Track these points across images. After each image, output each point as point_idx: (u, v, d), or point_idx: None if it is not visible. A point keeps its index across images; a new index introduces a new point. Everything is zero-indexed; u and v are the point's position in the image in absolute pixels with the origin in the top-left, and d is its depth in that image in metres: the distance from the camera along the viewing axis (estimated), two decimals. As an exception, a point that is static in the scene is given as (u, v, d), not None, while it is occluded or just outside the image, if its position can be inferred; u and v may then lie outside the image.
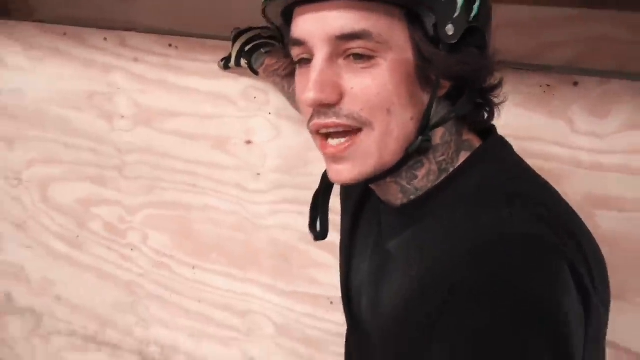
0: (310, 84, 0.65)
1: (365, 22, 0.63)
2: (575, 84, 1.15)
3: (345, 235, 0.93)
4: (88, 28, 1.67)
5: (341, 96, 0.65)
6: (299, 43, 0.67)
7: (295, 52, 0.70)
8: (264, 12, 0.72)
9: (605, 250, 1.07)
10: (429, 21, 0.64)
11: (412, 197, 0.74)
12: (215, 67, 1.48)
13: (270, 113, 1.49)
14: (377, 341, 0.81)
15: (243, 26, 1.35)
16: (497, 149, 0.76)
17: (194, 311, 1.78)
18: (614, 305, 1.23)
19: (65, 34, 1.69)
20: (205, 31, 1.54)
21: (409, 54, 0.65)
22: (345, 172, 0.69)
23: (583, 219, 0.93)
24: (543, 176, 1.01)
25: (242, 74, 1.46)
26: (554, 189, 0.73)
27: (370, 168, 0.68)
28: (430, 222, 0.71)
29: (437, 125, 0.70)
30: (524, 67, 1.22)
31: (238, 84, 1.50)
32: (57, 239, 1.94)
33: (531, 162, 1.20)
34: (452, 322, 0.59)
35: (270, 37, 1.34)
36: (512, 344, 0.55)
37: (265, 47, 1.32)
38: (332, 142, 0.68)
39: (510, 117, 1.15)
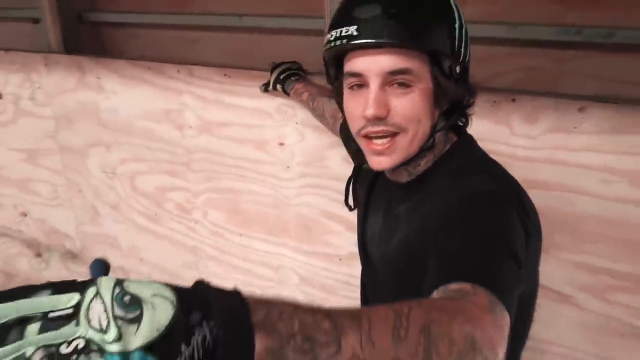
0: (369, 103, 0.68)
1: (407, 63, 0.67)
2: (514, 100, 1.18)
3: (361, 206, 0.94)
4: (165, 63, 1.68)
5: (388, 112, 0.69)
6: (357, 75, 0.70)
7: (350, 81, 0.72)
8: (325, 52, 0.72)
9: None
10: (446, 64, 0.69)
11: (414, 175, 0.79)
12: (257, 90, 1.49)
13: (297, 122, 1.50)
14: (384, 274, 0.84)
15: (277, 61, 1.38)
16: (467, 142, 0.81)
17: (241, 267, 1.81)
18: (541, 256, 1.28)
19: (149, 67, 1.70)
20: (250, 65, 1.55)
21: (430, 84, 0.69)
22: (385, 162, 0.73)
23: None
24: None
25: (276, 95, 1.46)
26: (502, 166, 0.79)
27: (400, 159, 0.73)
28: (427, 190, 0.76)
29: (439, 131, 0.74)
30: (479, 89, 1.29)
31: (274, 102, 1.51)
32: (141, 216, 1.97)
33: None
34: (444, 232, 0.65)
35: (297, 69, 1.36)
36: (490, 224, 0.63)
37: (294, 76, 1.33)
38: (377, 142, 0.71)
39: (471, 123, 1.25)
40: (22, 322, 0.29)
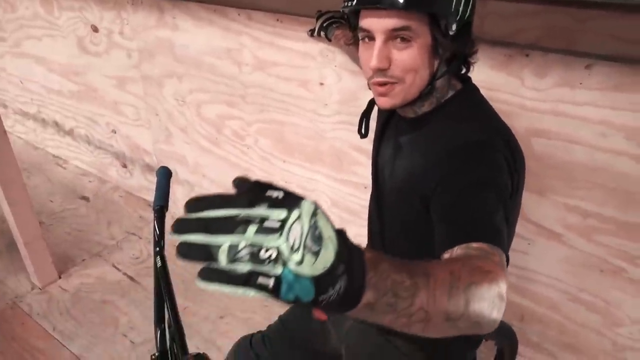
0: (374, 56, 0.72)
1: (406, 22, 0.70)
2: (527, 55, 1.19)
3: (377, 136, 0.98)
4: (228, 7, 1.70)
5: (390, 64, 0.73)
6: (365, 31, 0.74)
7: (362, 34, 0.76)
8: (343, 8, 0.76)
9: (536, 164, 1.20)
10: (443, 23, 0.71)
11: (418, 113, 0.83)
12: (305, 35, 1.52)
13: (335, 65, 1.53)
14: (392, 197, 0.90)
15: (323, 9, 1.40)
16: (469, 90, 0.84)
17: None
18: (537, 198, 1.33)
19: (215, 10, 1.73)
20: (299, 11, 1.56)
21: (428, 40, 0.72)
22: (386, 102, 0.78)
23: (524, 144, 1.02)
24: (501, 114, 1.13)
25: (320, 40, 1.48)
26: (498, 115, 0.82)
27: (399, 101, 0.78)
28: (428, 128, 0.81)
29: (439, 77, 0.77)
30: (497, 43, 1.25)
31: (317, 46, 1.54)
32: (204, 139, 2.09)
33: (496, 104, 1.27)
34: (444, 184, 0.72)
35: (340, 18, 1.37)
36: (480, 175, 0.70)
37: (336, 24, 1.35)
38: (381, 87, 0.76)
39: (486, 75, 1.26)
40: (247, 222, 0.34)
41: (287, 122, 1.77)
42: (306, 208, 0.36)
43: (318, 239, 0.35)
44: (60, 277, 2.03)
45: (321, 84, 1.61)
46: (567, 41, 1.27)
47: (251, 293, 0.34)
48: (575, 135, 1.19)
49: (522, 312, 1.50)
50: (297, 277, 0.35)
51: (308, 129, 1.72)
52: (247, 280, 0.34)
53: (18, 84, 3.03)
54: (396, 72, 0.74)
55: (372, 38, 0.74)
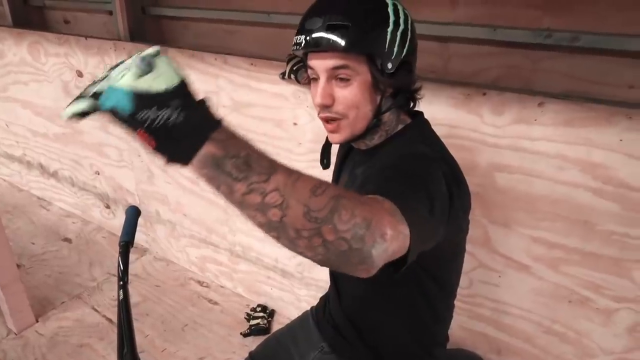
0: (318, 94, 0.78)
1: (346, 61, 0.75)
2: (484, 94, 1.24)
3: (336, 167, 1.02)
4: (206, 52, 1.78)
5: (333, 101, 0.78)
6: (312, 70, 0.79)
7: (310, 74, 0.81)
8: (294, 52, 0.80)
9: (501, 197, 1.26)
10: (379, 62, 0.76)
11: (369, 146, 0.87)
12: (277, 78, 1.59)
13: (307, 106, 1.58)
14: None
15: (292, 53, 1.48)
16: (419, 124, 0.87)
17: None
18: (504, 231, 1.35)
19: (193, 55, 1.81)
20: (272, 55, 1.65)
21: (368, 77, 0.76)
22: (336, 138, 0.83)
23: (488, 178, 1.09)
24: (465, 150, 1.18)
25: (291, 82, 1.55)
26: (445, 147, 0.84)
27: (347, 136, 0.82)
28: (379, 156, 0.84)
29: (385, 112, 0.82)
30: (455, 83, 1.31)
31: (289, 88, 1.59)
32: (185, 178, 2.11)
33: (457, 141, 1.35)
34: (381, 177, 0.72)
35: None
36: (416, 170, 0.71)
37: (305, 67, 1.47)
38: (328, 124, 0.81)
39: (447, 113, 1.32)
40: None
41: (264, 161, 1.80)
42: (148, 50, 0.45)
43: (148, 65, 0.43)
44: (37, 321, 2.00)
45: (295, 123, 1.66)
46: (522, 80, 1.34)
47: (82, 104, 0.45)
48: (535, 169, 1.24)
49: (499, 346, 1.50)
50: (114, 88, 0.43)
51: (284, 167, 1.75)
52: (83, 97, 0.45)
53: (4, 127, 3.08)
54: (339, 108, 0.79)
55: (318, 77, 0.79)
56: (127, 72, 0.43)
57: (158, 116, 0.42)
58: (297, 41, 0.77)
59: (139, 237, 2.44)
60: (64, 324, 2.01)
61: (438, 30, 1.43)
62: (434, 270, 0.86)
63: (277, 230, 0.49)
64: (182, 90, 0.45)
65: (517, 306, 1.42)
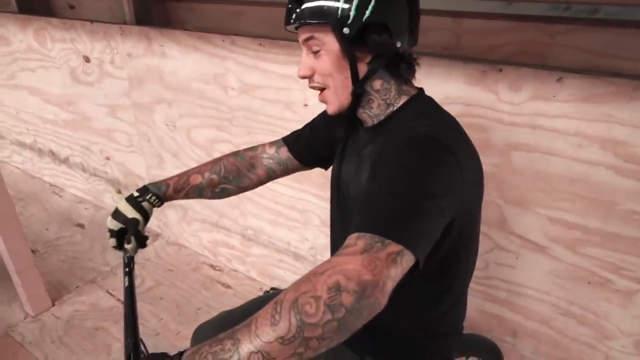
0: (299, 67, 0.82)
1: (310, 33, 0.78)
2: (500, 70, 1.21)
3: (337, 158, 0.97)
4: (213, 34, 1.76)
5: (313, 73, 0.81)
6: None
7: None
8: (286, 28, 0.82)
9: (515, 176, 1.23)
10: (336, 28, 0.76)
11: (375, 121, 0.85)
12: (286, 57, 1.58)
13: None
14: (354, 210, 0.86)
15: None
16: (423, 97, 0.85)
17: (273, 209, 1.95)
18: (520, 211, 1.33)
19: (200, 37, 1.79)
20: (280, 36, 1.60)
21: (336, 46, 0.77)
22: (328, 109, 0.85)
23: (504, 157, 1.06)
24: (479, 129, 1.14)
25: None
26: (453, 120, 0.80)
27: (337, 106, 0.83)
28: (386, 135, 0.81)
29: (366, 78, 0.79)
30: (471, 60, 1.27)
31: None
32: (195, 162, 2.08)
33: (472, 120, 1.31)
34: (374, 173, 0.72)
35: None
36: (416, 166, 0.67)
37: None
38: (319, 95, 0.84)
39: (461, 90, 1.28)
40: None
41: (274, 144, 1.79)
42: None
43: None
44: (53, 305, 2.04)
45: (305, 105, 1.65)
46: (538, 56, 1.31)
47: None
48: (553, 147, 1.21)
49: (515, 328, 1.49)
50: None
51: (294, 150, 1.73)
52: None
53: (14, 114, 3.10)
54: (317, 78, 0.82)
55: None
56: None
57: None
58: (284, 16, 0.81)
59: (151, 222, 2.48)
60: (79, 307, 2.04)
61: (450, 4, 1.39)
62: (442, 269, 0.82)
63: None
64: None
65: (533, 288, 1.41)
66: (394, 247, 0.58)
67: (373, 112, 0.85)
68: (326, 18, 0.76)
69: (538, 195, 1.28)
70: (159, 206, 1.04)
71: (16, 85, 2.88)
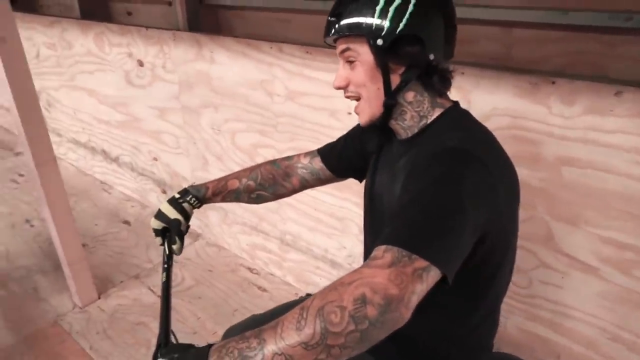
0: (335, 77, 0.84)
1: (346, 44, 0.80)
2: (553, 82, 1.17)
3: (370, 170, 0.98)
4: (261, 41, 1.79)
5: (347, 84, 0.83)
6: None
7: None
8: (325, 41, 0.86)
9: (566, 192, 1.19)
10: (370, 40, 0.77)
11: (409, 134, 0.85)
12: (332, 65, 1.57)
13: None
14: (386, 219, 0.83)
15: None
16: (458, 110, 0.85)
17: (312, 215, 1.96)
18: (570, 229, 1.28)
19: (248, 44, 1.83)
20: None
21: (370, 57, 0.78)
22: (360, 119, 0.86)
23: (554, 172, 1.03)
24: (528, 142, 1.12)
25: None
26: (487, 133, 0.80)
27: (368, 117, 0.84)
28: (418, 147, 0.82)
29: (399, 89, 0.79)
30: (520, 71, 1.24)
31: None
32: (238, 166, 2.13)
33: (520, 132, 1.29)
34: (404, 185, 0.72)
35: None
36: (446, 179, 0.67)
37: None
38: (355, 108, 0.86)
39: (510, 102, 1.26)
40: None
41: (316, 151, 1.80)
42: None
43: None
44: (99, 298, 2.13)
45: (349, 113, 1.65)
46: (593, 67, 1.26)
47: None
48: (607, 163, 1.17)
49: (559, 351, 1.43)
50: None
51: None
52: None
53: (71, 114, 3.28)
54: (352, 88, 0.83)
55: None
56: None
57: None
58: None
59: (193, 222, 2.48)
60: (123, 302, 2.13)
61: (500, 14, 1.37)
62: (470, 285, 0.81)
63: None
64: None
65: (580, 309, 1.35)
66: (421, 262, 0.59)
67: (406, 124, 0.85)
68: (362, 30, 0.78)
69: (589, 212, 1.23)
70: (198, 207, 1.10)
71: (75, 87, 3.05)
